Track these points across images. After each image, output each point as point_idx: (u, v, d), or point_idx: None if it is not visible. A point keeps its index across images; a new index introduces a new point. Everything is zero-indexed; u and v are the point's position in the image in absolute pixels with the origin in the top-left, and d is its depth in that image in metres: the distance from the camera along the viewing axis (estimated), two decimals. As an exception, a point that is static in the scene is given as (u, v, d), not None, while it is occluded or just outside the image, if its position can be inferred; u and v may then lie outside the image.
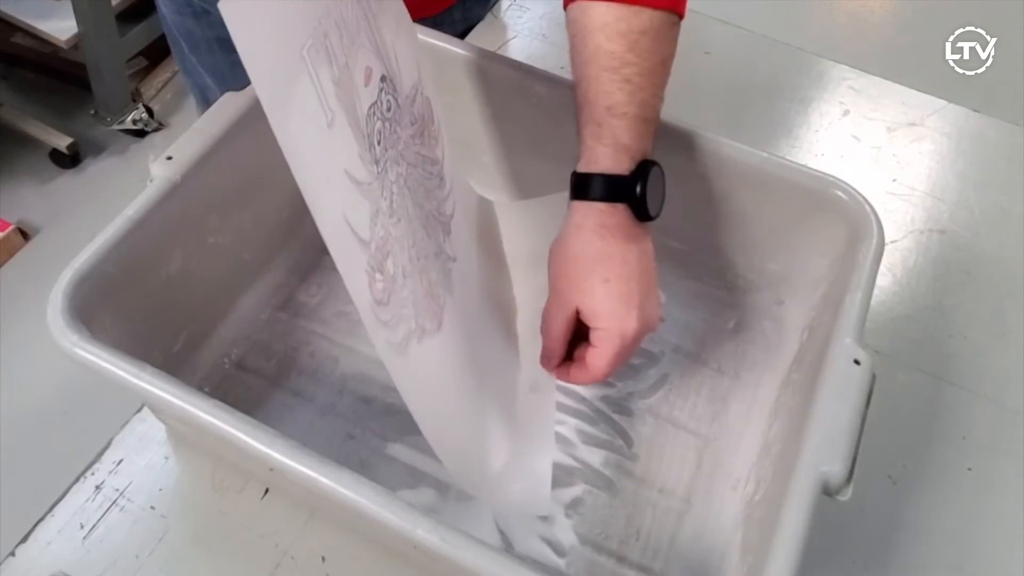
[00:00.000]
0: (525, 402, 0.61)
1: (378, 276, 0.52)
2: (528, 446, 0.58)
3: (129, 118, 1.78)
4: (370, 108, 0.54)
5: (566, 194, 0.54)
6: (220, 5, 0.42)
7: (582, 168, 0.53)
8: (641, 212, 0.52)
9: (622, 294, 0.52)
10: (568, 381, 0.56)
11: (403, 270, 0.54)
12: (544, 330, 0.55)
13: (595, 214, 0.52)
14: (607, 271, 0.52)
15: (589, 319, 0.53)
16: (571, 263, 0.53)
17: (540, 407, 0.60)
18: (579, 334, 0.55)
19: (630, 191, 0.52)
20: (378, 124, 0.54)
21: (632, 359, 0.64)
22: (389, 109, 0.56)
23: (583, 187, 0.53)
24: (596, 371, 0.53)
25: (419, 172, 0.59)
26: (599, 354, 0.52)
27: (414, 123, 0.59)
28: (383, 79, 0.56)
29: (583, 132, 0.54)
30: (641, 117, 0.53)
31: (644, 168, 0.52)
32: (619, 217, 0.52)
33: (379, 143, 0.54)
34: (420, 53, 0.61)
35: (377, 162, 0.54)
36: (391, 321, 0.52)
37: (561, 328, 0.54)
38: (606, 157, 0.52)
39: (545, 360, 0.57)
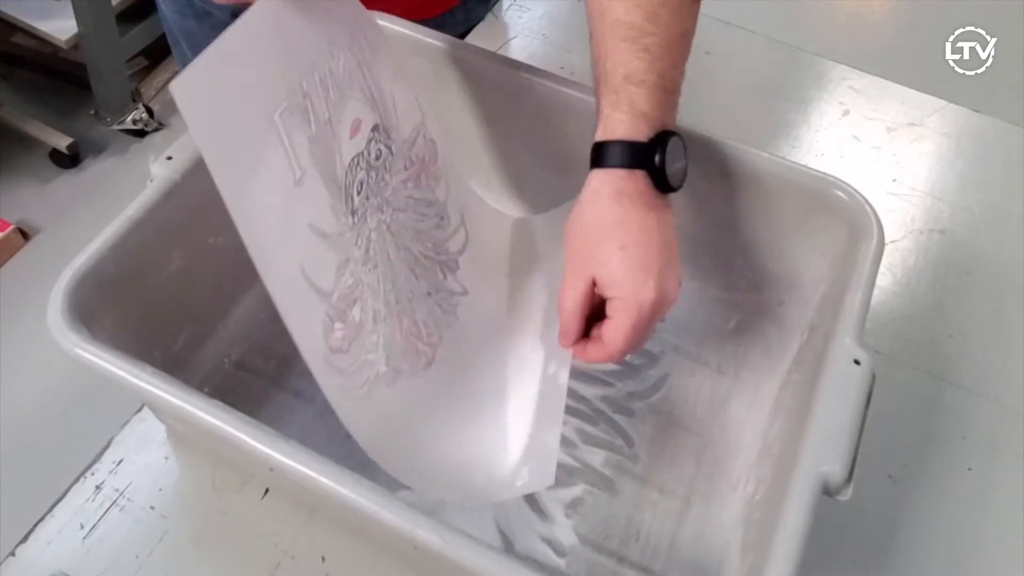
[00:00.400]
0: (542, 388, 0.60)
1: (338, 325, 0.53)
2: (540, 428, 0.57)
3: (129, 118, 1.78)
4: (354, 159, 0.56)
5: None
6: (171, 87, 0.44)
7: (599, 137, 0.52)
8: (661, 182, 0.51)
9: (639, 261, 0.50)
10: (585, 359, 0.53)
11: (374, 315, 0.56)
12: (560, 305, 0.53)
13: (612, 180, 0.51)
14: (624, 238, 0.50)
15: (605, 288, 0.50)
16: (587, 231, 0.51)
17: (554, 388, 0.59)
18: (599, 315, 0.53)
19: (649, 158, 0.50)
20: (361, 174, 0.56)
21: (632, 359, 0.64)
22: (378, 157, 0.58)
23: (600, 155, 0.51)
24: (612, 346, 0.50)
25: (408, 216, 0.61)
26: (615, 326, 0.50)
27: (409, 167, 0.61)
28: (375, 128, 0.57)
29: (601, 103, 0.52)
30: (660, 87, 0.51)
31: (664, 137, 0.51)
32: (638, 184, 0.50)
33: (359, 192, 0.56)
34: (421, 94, 0.62)
35: (354, 212, 0.56)
36: (349, 368, 0.53)
37: (577, 301, 0.52)
38: (623, 124, 0.51)
39: (562, 337, 0.54)
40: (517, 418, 0.58)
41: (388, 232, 0.58)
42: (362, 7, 0.58)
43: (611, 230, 0.50)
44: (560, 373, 0.55)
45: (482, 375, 0.60)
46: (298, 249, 0.51)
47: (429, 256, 0.61)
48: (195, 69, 0.45)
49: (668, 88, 0.52)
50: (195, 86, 0.46)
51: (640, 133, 0.50)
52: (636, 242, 0.50)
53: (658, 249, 0.50)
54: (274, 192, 0.50)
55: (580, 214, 0.52)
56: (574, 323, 0.52)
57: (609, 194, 0.51)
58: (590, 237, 0.51)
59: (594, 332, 0.53)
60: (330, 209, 0.53)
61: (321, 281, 0.52)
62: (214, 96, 0.47)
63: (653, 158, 0.50)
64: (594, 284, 0.51)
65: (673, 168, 0.51)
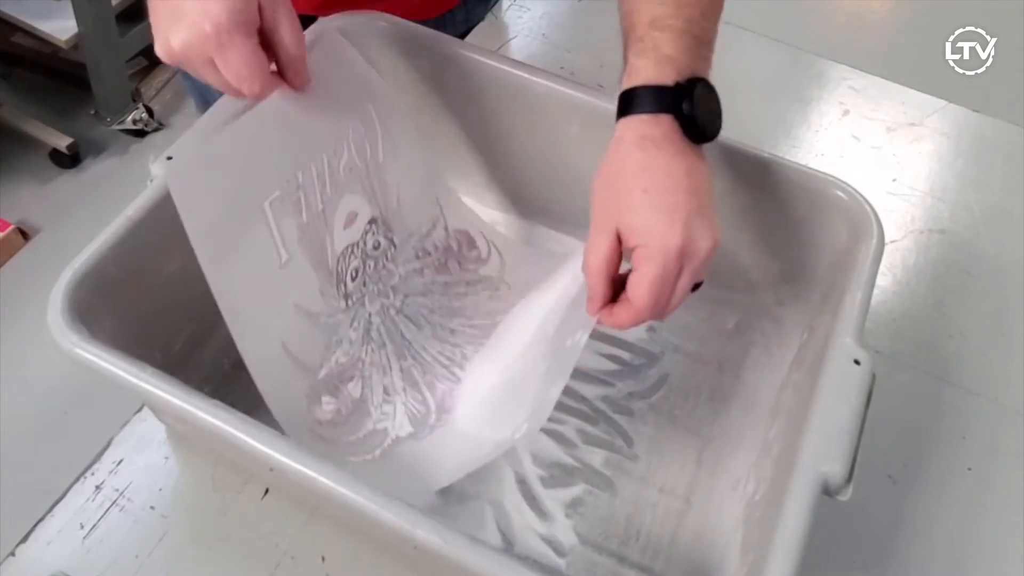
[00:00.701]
0: (557, 355, 0.59)
1: (326, 399, 0.56)
2: (546, 387, 0.56)
3: (129, 118, 1.78)
4: (347, 248, 0.58)
5: None
6: (165, 172, 0.48)
7: (624, 86, 0.49)
8: (692, 130, 0.47)
9: (663, 205, 0.46)
10: (612, 324, 0.49)
11: (385, 389, 0.59)
12: (585, 266, 0.49)
13: (636, 125, 0.48)
14: (648, 181, 0.47)
15: (628, 238, 0.47)
16: (609, 180, 0.48)
17: (569, 350, 0.57)
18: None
19: (676, 104, 0.47)
20: (356, 262, 0.59)
21: (632, 359, 0.64)
22: (376, 247, 0.61)
23: (625, 104, 0.49)
24: (637, 301, 0.46)
25: (433, 299, 0.64)
26: (638, 278, 0.46)
27: (423, 256, 0.64)
28: (372, 221, 0.60)
29: (627, 55, 0.50)
30: (688, 32, 0.48)
31: (693, 83, 0.48)
32: (663, 128, 0.47)
33: (354, 279, 0.59)
34: (444, 191, 0.67)
35: (347, 296, 0.59)
36: (348, 438, 0.56)
37: (601, 258, 0.48)
38: (647, 68, 0.48)
39: (589, 304, 0.50)
40: (530, 392, 0.57)
41: (400, 315, 0.61)
42: (390, 97, 0.62)
43: (634, 175, 0.47)
44: (581, 339, 0.53)
45: (508, 366, 0.61)
46: (281, 326, 0.54)
47: (475, 325, 0.64)
48: (189, 158, 0.49)
49: (697, 36, 0.49)
50: (185, 172, 0.49)
51: (666, 77, 0.48)
52: (661, 186, 0.46)
53: (686, 194, 0.46)
54: (257, 272, 0.52)
55: (604, 167, 0.49)
56: (599, 284, 0.49)
57: (632, 139, 0.48)
58: (612, 185, 0.48)
59: (621, 297, 0.49)
60: (318, 292, 0.56)
61: (305, 357, 0.55)
62: (204, 182, 0.49)
63: (680, 102, 0.47)
64: (620, 240, 0.48)
65: (704, 115, 0.48)
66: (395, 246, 0.62)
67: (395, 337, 0.60)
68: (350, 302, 0.59)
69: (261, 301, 0.52)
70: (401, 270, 0.62)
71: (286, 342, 0.54)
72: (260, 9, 0.47)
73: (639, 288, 0.46)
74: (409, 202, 0.63)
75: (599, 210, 0.49)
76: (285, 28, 0.49)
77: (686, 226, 0.46)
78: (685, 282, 0.47)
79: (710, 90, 0.49)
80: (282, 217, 0.53)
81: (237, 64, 0.47)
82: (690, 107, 0.47)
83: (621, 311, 0.48)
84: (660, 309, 0.47)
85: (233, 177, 0.51)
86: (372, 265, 0.60)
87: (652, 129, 0.47)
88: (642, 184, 0.47)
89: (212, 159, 0.50)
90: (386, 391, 0.59)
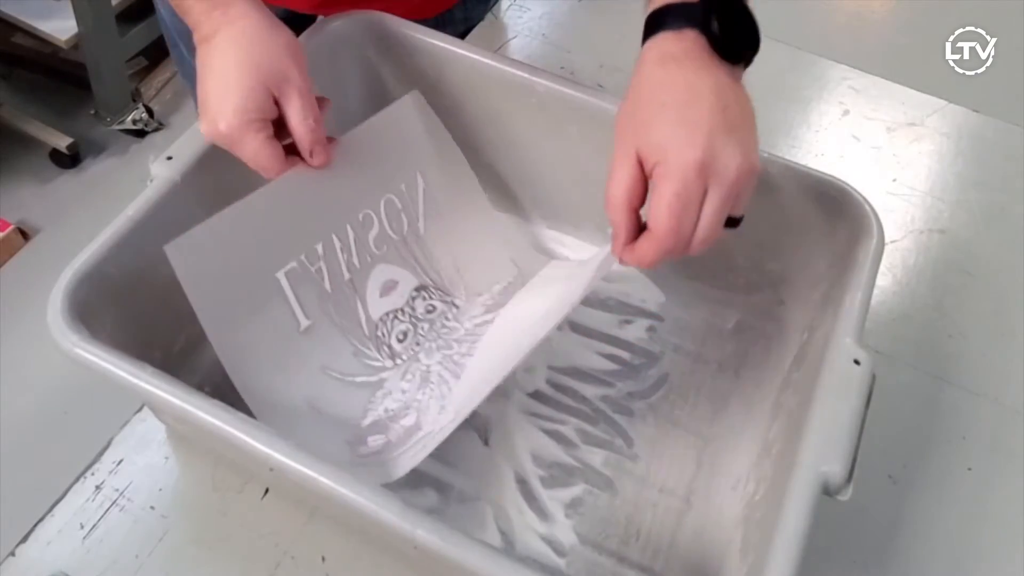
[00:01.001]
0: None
1: (372, 438, 0.56)
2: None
3: (129, 118, 1.78)
4: (388, 314, 0.60)
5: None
6: (166, 248, 0.49)
7: (647, 13, 0.46)
8: (724, 49, 0.44)
9: (683, 118, 0.42)
10: (635, 261, 0.45)
11: (440, 409, 0.58)
12: (606, 198, 0.45)
13: (657, 44, 0.45)
14: (667, 96, 0.43)
15: (647, 158, 0.43)
16: (629, 102, 0.45)
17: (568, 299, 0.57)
18: None
19: (703, 20, 0.44)
20: (403, 326, 0.60)
21: (632, 359, 0.64)
22: (431, 311, 0.62)
23: (649, 29, 0.46)
24: (657, 227, 0.42)
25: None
26: (656, 198, 0.42)
27: (493, 308, 0.64)
28: (420, 288, 0.62)
29: None
30: None
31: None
32: (686, 44, 0.44)
33: (402, 340, 0.60)
34: (522, 250, 0.67)
35: (394, 356, 0.59)
36: (394, 453, 0.55)
37: (623, 188, 0.44)
38: None
39: (613, 243, 0.46)
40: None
41: (466, 357, 0.61)
42: (453, 164, 0.64)
43: (652, 92, 0.44)
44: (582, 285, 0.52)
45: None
46: (307, 387, 0.54)
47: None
48: (193, 237, 0.50)
49: None
50: (189, 250, 0.50)
51: None
52: (681, 100, 0.43)
53: (711, 110, 0.42)
54: (273, 339, 0.53)
55: (626, 94, 0.46)
56: (622, 217, 0.45)
57: (652, 59, 0.45)
58: (631, 109, 0.45)
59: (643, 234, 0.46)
60: (351, 355, 0.57)
61: (340, 412, 0.55)
62: (209, 259, 0.51)
63: (706, 17, 0.44)
64: (643, 168, 0.44)
65: (734, 31, 0.44)
66: (457, 307, 0.63)
67: (458, 372, 0.60)
68: (399, 360, 0.60)
69: (278, 367, 0.54)
70: (468, 324, 0.63)
71: (314, 401, 0.54)
72: (275, 100, 0.51)
73: (658, 210, 0.42)
74: (475, 266, 0.64)
75: (619, 138, 0.45)
76: (296, 119, 0.51)
77: (708, 140, 0.42)
78: (713, 207, 0.43)
79: (742, 6, 0.45)
80: (300, 286, 0.55)
81: (251, 157, 0.51)
82: (718, 19, 0.43)
83: (642, 243, 0.44)
84: (684, 237, 0.43)
85: (241, 252, 0.53)
86: (426, 327, 0.61)
87: (674, 46, 0.44)
88: (660, 99, 0.43)
89: (217, 236, 0.51)
90: (441, 408, 0.58)
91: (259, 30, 0.51)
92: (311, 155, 0.53)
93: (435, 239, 0.63)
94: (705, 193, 0.42)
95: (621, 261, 0.46)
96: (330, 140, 0.56)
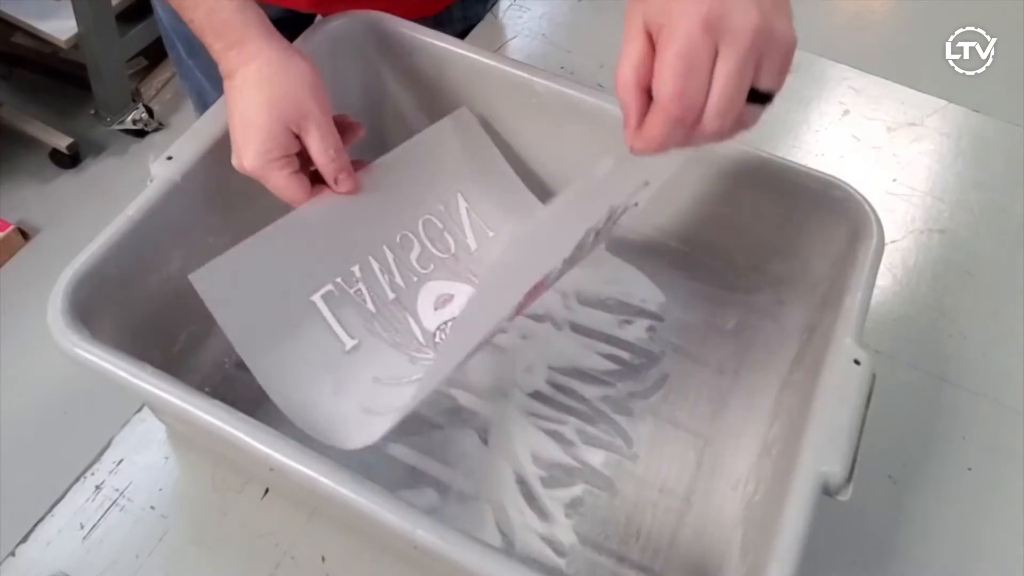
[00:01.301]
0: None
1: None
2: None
3: (129, 118, 1.78)
4: (446, 322, 0.60)
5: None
6: (191, 277, 0.50)
7: None
8: None
9: None
10: (644, 145, 0.41)
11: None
12: (615, 81, 0.41)
13: None
14: None
15: (653, 26, 0.39)
16: None
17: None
18: None
19: None
20: None
21: (632, 359, 0.64)
22: None
23: None
24: (661, 94, 0.38)
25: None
26: (660, 61, 0.38)
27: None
28: None
29: None
30: None
31: None
32: None
33: None
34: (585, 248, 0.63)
35: None
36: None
37: (630, 65, 0.40)
38: None
39: (624, 129, 0.42)
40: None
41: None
42: (498, 178, 0.63)
43: None
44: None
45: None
46: (357, 397, 0.54)
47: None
48: (218, 263, 0.51)
49: None
50: (214, 277, 0.50)
51: None
52: None
53: None
54: (315, 360, 0.54)
55: None
56: (631, 96, 0.40)
57: None
58: None
59: None
60: (407, 362, 0.57)
61: (395, 404, 0.54)
62: (237, 286, 0.51)
63: None
64: (652, 43, 0.40)
65: None
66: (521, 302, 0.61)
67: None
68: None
69: (326, 384, 0.54)
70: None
71: (368, 407, 0.54)
72: (297, 135, 0.52)
73: (660, 74, 0.38)
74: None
75: (628, 16, 0.41)
76: (316, 151, 0.53)
77: (721, 1, 0.37)
78: (727, 68, 0.38)
79: None
80: (340, 308, 0.55)
81: (278, 191, 0.53)
82: None
83: (649, 118, 0.40)
84: (693, 104, 0.39)
85: (271, 277, 0.53)
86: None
87: None
88: None
89: (244, 263, 0.52)
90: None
91: (274, 67, 0.52)
92: (336, 183, 0.55)
93: (488, 250, 0.63)
94: (716, 55, 0.38)
95: (632, 150, 0.42)
96: (362, 164, 0.57)
